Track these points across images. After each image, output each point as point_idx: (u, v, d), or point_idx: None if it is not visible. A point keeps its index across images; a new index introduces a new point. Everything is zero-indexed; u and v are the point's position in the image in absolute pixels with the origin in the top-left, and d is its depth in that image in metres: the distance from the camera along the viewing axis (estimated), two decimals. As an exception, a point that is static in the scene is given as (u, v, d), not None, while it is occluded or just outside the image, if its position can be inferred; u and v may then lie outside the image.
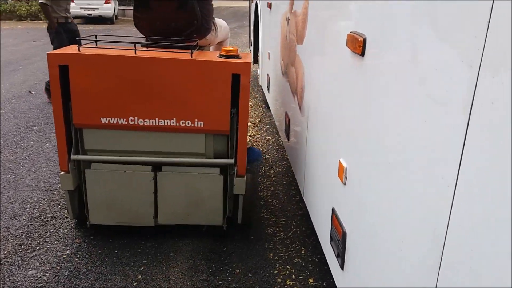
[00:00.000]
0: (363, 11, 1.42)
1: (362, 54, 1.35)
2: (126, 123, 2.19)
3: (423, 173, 1.01)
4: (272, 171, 3.88)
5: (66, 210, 3.01)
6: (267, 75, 4.58)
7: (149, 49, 2.39)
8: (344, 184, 1.53)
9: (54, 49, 5.66)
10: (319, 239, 2.07)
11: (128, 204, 2.39)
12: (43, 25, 15.75)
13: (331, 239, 1.72)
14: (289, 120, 2.99)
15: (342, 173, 1.54)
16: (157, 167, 2.34)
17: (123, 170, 2.31)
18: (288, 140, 3.07)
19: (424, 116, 1.00)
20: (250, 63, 2.19)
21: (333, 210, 1.69)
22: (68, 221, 2.86)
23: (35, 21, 16.98)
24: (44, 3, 5.32)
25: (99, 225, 2.63)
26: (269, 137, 4.79)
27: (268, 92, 4.52)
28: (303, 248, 2.70)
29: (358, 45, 1.35)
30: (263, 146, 4.49)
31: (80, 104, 2.19)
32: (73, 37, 5.58)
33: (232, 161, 2.33)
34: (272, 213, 3.11)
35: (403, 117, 1.12)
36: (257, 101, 6.32)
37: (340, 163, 1.57)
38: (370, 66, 1.32)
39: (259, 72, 6.32)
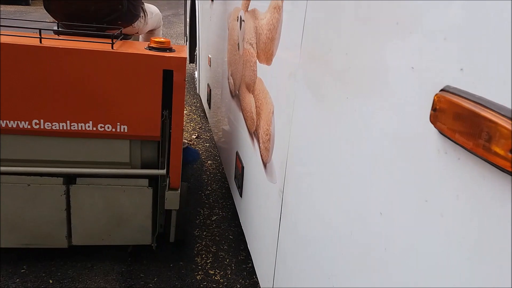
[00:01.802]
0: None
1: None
2: (29, 127, 1.89)
3: None
4: (214, 217, 2.94)
5: None
6: (208, 86, 3.61)
7: (61, 37, 2.02)
8: None
9: None
10: None
11: (35, 223, 2.07)
12: None
13: None
14: (242, 168, 2.07)
15: None
16: (70, 179, 2.05)
17: (26, 183, 1.99)
18: (241, 196, 2.15)
19: None
20: (186, 58, 1.89)
21: None
22: None
23: None
24: None
25: None
26: (209, 162, 3.83)
27: (209, 108, 3.56)
28: None
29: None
30: (202, 175, 3.53)
31: None
32: None
33: (164, 171, 2.05)
34: (215, 297, 2.19)
35: None
36: (194, 108, 5.31)
37: None
38: None
39: (196, 75, 5.32)
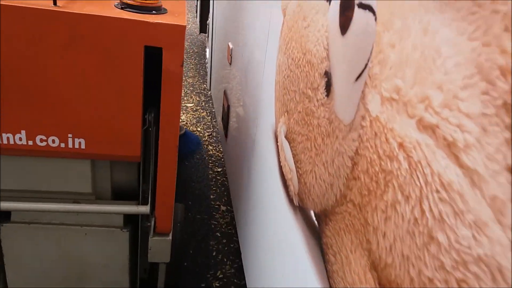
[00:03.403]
0: None
1: None
2: None
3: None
4: None
5: None
6: (224, 95, 2.22)
7: None
8: None
9: None
10: None
11: None
12: None
13: None
14: None
15: None
16: (1, 216, 1.56)
17: None
18: None
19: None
20: (184, 26, 1.22)
21: None
22: None
23: None
24: None
25: None
26: (222, 207, 2.53)
27: (226, 138, 2.21)
28: None
29: None
30: (210, 248, 2.25)
31: None
32: None
33: (147, 208, 1.46)
34: None
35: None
36: (203, 99, 3.92)
37: None
38: None
39: (207, 55, 3.89)
